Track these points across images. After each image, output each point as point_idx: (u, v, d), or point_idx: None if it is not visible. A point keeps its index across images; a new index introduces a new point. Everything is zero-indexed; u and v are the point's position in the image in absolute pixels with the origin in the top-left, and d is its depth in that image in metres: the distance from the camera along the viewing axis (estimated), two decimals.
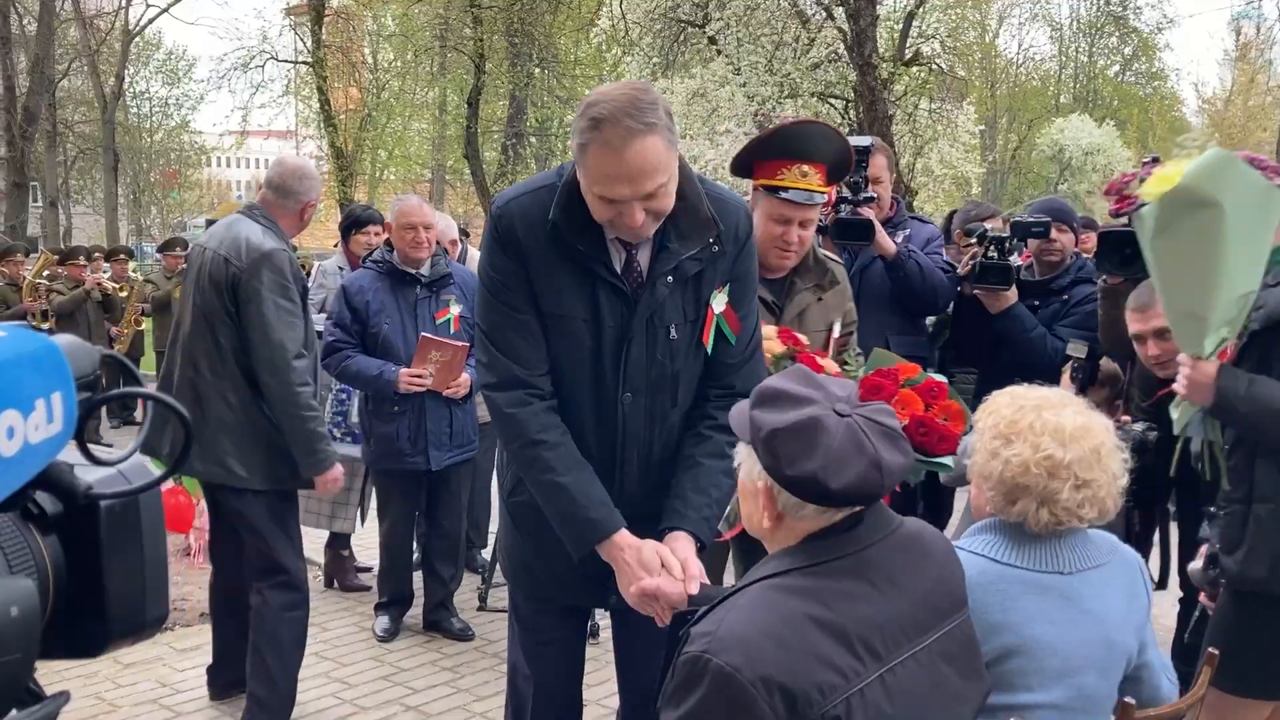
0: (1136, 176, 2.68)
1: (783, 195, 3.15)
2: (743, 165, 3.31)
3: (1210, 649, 2.41)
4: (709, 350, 2.48)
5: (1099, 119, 36.32)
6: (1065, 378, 3.78)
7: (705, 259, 2.40)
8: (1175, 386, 2.77)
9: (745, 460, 1.86)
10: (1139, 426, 3.41)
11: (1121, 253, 3.89)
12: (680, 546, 2.33)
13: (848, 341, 3.57)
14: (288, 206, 3.94)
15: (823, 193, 3.25)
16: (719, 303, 2.46)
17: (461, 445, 4.96)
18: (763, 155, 3.22)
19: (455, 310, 4.89)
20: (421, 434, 4.80)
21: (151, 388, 1.10)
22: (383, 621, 5.09)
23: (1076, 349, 3.66)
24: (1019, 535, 2.18)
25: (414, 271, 4.86)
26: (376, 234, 5.74)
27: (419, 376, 4.68)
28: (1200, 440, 2.91)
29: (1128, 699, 2.11)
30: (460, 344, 4.73)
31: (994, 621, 2.10)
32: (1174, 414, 2.86)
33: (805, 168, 3.16)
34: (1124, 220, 3.31)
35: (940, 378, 3.13)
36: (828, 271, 3.48)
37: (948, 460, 2.95)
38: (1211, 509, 3.00)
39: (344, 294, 4.89)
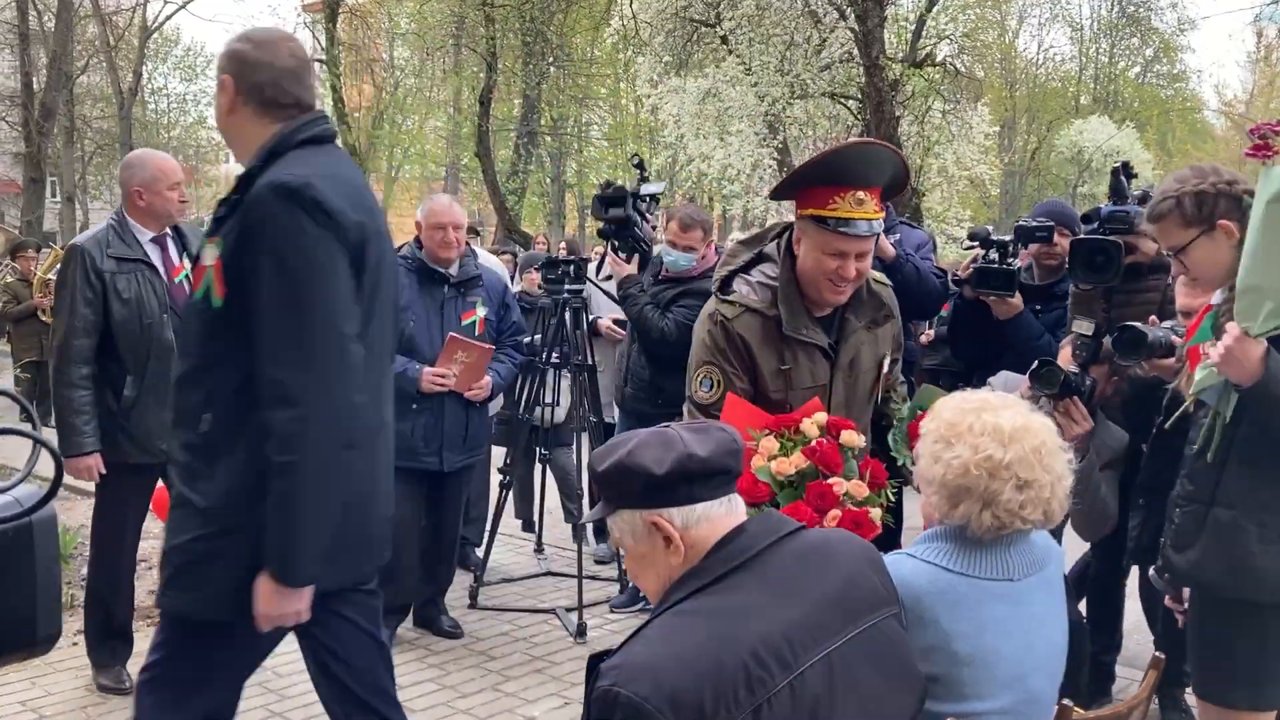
0: None
1: (841, 229, 2.87)
2: (784, 190, 3.09)
3: (1156, 653, 2.38)
4: (201, 300, 2.41)
5: (1119, 121, 36.03)
6: (1066, 353, 3.72)
7: (227, 213, 2.43)
8: (1210, 351, 2.64)
9: (620, 529, 1.92)
10: (1169, 323, 3.36)
11: (1093, 260, 3.84)
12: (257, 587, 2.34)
13: (893, 371, 3.35)
14: (125, 199, 4.35)
15: (880, 219, 2.97)
16: (208, 255, 2.43)
17: (473, 449, 4.95)
18: (812, 182, 2.94)
19: (481, 313, 4.88)
20: (438, 434, 4.75)
21: None
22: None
23: (1082, 326, 3.61)
24: (968, 542, 2.18)
25: (443, 271, 4.80)
26: None
27: (442, 376, 4.67)
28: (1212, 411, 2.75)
29: (1065, 701, 2.10)
30: (487, 346, 4.79)
31: (945, 630, 2.10)
32: (1198, 375, 2.73)
33: (861, 194, 2.87)
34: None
35: None
36: (883, 304, 3.20)
37: None
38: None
39: None
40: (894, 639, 1.90)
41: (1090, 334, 3.58)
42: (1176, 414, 2.91)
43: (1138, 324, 3.35)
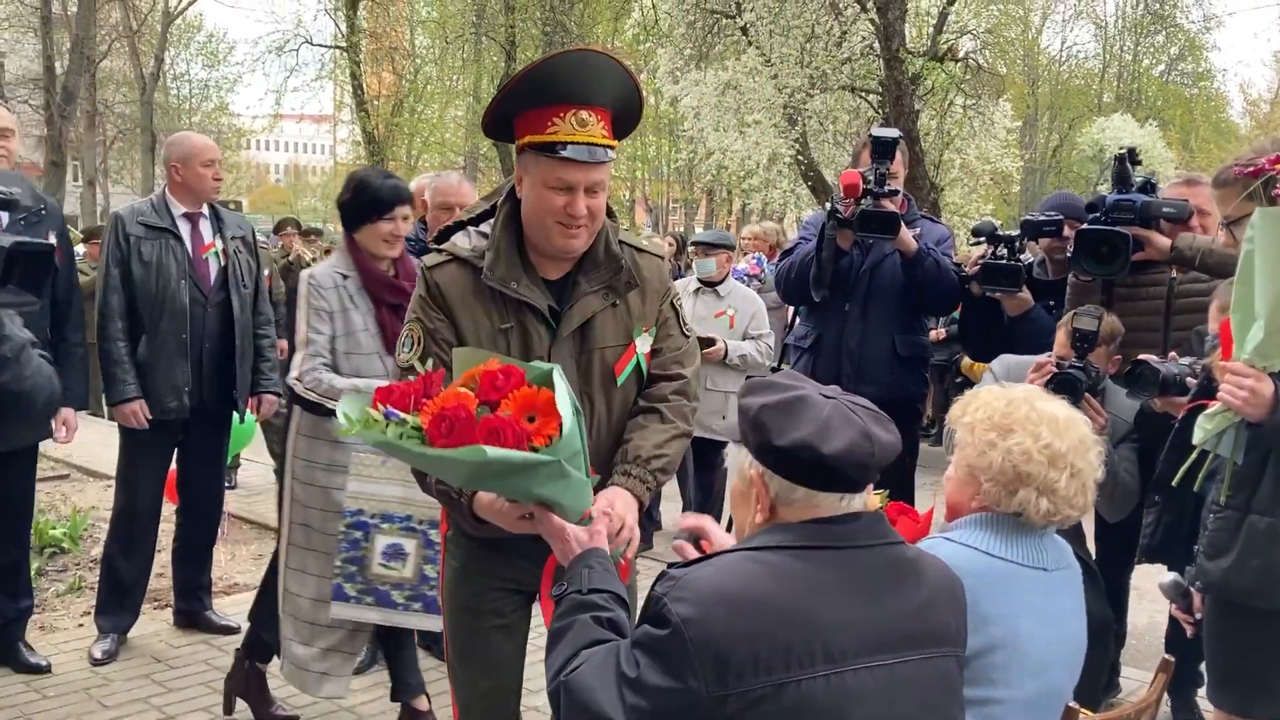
0: None
1: (560, 153, 2.39)
2: (501, 124, 2.52)
3: (1165, 655, 2.36)
4: None
5: (1141, 119, 35.76)
6: (1061, 336, 3.68)
7: None
8: (1225, 396, 2.60)
9: (739, 460, 1.91)
10: (1185, 361, 3.32)
11: (1097, 251, 3.79)
12: None
13: (672, 355, 2.67)
14: (169, 175, 4.69)
15: (610, 146, 2.46)
16: None
17: None
18: (526, 103, 2.43)
19: None
20: None
21: None
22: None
23: (1084, 321, 3.56)
24: (1005, 530, 2.19)
25: None
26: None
27: None
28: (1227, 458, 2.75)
29: (1071, 703, 2.09)
30: None
31: (984, 612, 2.09)
32: (1206, 425, 2.71)
33: (583, 114, 2.40)
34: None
35: (523, 366, 2.20)
36: (622, 268, 2.59)
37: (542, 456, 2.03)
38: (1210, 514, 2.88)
39: None
40: (946, 679, 1.85)
41: (1094, 329, 3.56)
42: (1186, 466, 2.87)
43: (1152, 359, 3.29)
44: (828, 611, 1.71)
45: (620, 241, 2.61)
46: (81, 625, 4.93)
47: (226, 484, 7.61)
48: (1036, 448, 2.14)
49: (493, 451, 1.95)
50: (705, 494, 6.17)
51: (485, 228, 2.60)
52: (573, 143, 2.39)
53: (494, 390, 2.07)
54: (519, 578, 2.62)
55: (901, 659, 1.76)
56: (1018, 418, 2.18)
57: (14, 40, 29.34)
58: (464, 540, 2.65)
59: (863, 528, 1.81)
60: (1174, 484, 2.96)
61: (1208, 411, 2.72)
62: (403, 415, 2.08)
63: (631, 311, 2.61)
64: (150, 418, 4.54)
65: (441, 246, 2.61)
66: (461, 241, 2.59)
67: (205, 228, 4.70)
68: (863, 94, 16.79)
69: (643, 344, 2.61)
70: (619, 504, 2.32)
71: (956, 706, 1.88)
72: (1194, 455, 2.84)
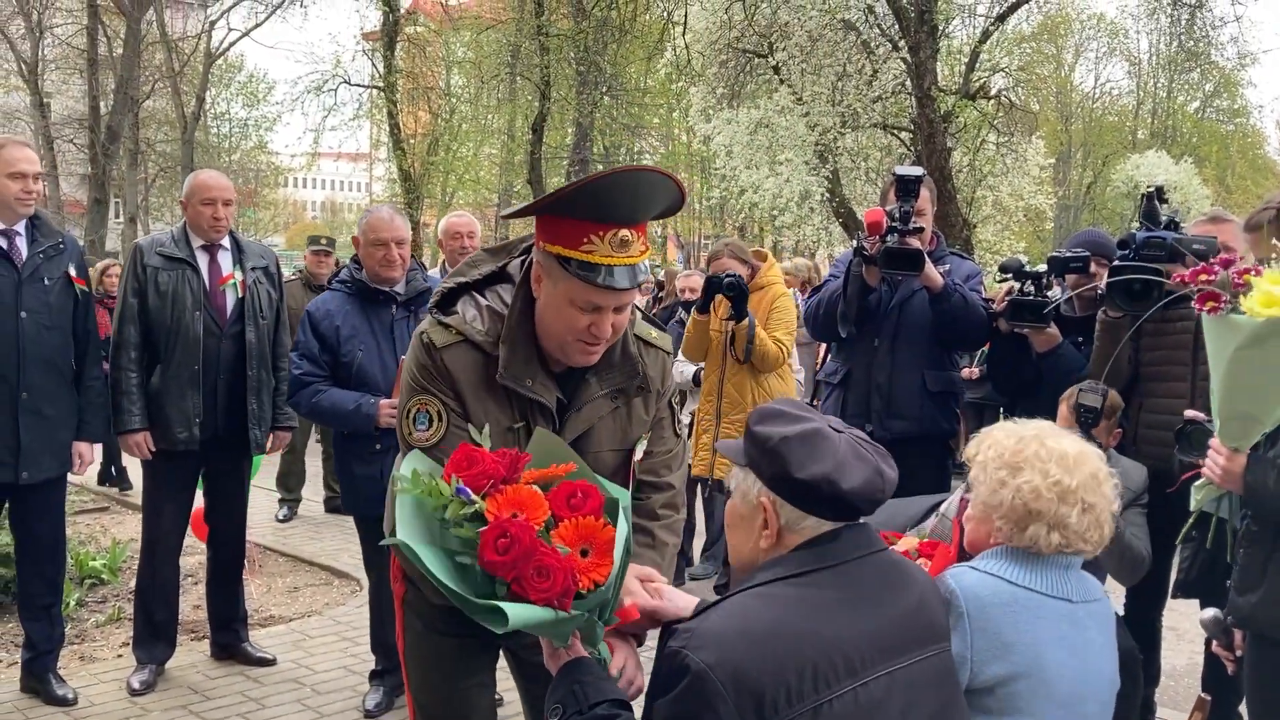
0: (1228, 276, 2.65)
1: (596, 280, 2.16)
2: (522, 215, 2.38)
3: (1201, 694, 2.36)
4: None
5: (1177, 156, 35.56)
6: (1064, 410, 3.75)
7: None
8: (1206, 473, 2.81)
9: (741, 483, 1.93)
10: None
11: (1131, 288, 3.81)
12: None
13: (658, 459, 2.55)
14: (182, 209, 4.73)
15: (646, 260, 2.26)
16: None
17: None
18: (562, 211, 2.19)
19: None
20: None
21: None
22: (374, 696, 4.46)
23: (1089, 399, 3.65)
24: (1029, 560, 2.22)
25: (387, 290, 4.35)
26: None
27: None
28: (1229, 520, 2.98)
29: None
30: None
31: (1006, 641, 2.13)
32: (1196, 495, 2.94)
33: (626, 233, 2.16)
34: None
35: (602, 489, 2.00)
36: (638, 372, 2.43)
37: (542, 612, 1.85)
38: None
39: (309, 320, 4.32)
40: (949, 674, 1.93)
41: (1098, 405, 3.65)
42: (1188, 524, 3.10)
43: (1202, 418, 3.31)
44: (839, 627, 1.76)
45: (641, 333, 2.46)
46: (120, 655, 5.00)
47: (280, 517, 7.84)
48: (1045, 484, 2.17)
49: (515, 616, 1.81)
50: None
51: (493, 300, 2.37)
52: (611, 266, 2.16)
53: (568, 507, 1.91)
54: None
55: (912, 659, 1.82)
56: (1027, 455, 2.22)
57: (61, 81, 30.03)
58: (425, 600, 2.49)
59: (849, 542, 1.86)
60: (1178, 542, 3.22)
61: (1197, 484, 2.94)
62: (473, 495, 1.88)
63: (633, 416, 2.45)
64: (154, 449, 4.54)
65: (448, 320, 2.34)
66: (470, 315, 2.35)
67: (224, 259, 4.67)
68: (895, 131, 16.85)
69: (639, 450, 2.49)
70: (629, 667, 2.16)
71: (961, 697, 1.96)
72: (1194, 518, 3.05)
